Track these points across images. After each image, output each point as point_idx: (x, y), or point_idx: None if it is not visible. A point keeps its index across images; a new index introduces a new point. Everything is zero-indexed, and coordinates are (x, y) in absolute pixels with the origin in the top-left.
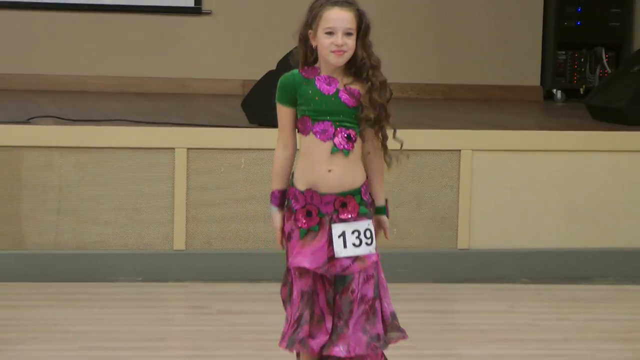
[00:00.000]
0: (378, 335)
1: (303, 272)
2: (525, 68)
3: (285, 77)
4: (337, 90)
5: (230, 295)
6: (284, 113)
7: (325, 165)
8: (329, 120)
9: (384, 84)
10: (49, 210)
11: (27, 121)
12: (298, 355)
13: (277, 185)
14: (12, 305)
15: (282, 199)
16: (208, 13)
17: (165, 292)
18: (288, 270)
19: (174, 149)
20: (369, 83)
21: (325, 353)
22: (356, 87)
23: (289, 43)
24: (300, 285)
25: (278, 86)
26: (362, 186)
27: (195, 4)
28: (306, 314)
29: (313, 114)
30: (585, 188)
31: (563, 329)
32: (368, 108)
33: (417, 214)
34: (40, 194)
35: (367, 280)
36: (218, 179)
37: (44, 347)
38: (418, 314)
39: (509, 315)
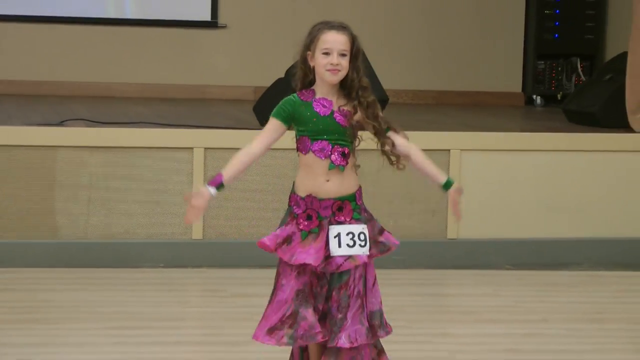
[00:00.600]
0: (372, 326)
1: (302, 271)
2: (508, 76)
3: (287, 99)
4: (332, 112)
5: (242, 280)
6: (272, 124)
7: (323, 177)
8: (325, 139)
9: (372, 103)
10: (80, 204)
11: (61, 123)
12: (292, 355)
13: (227, 172)
14: (47, 289)
15: (220, 185)
16: (223, 27)
17: (184, 277)
18: (278, 273)
19: (192, 148)
20: (358, 102)
21: (329, 345)
22: (348, 108)
23: (294, 54)
24: (297, 285)
25: (279, 104)
26: (356, 192)
27: (211, 19)
28: (303, 311)
29: (311, 133)
30: (562, 184)
31: (542, 310)
32: (367, 123)
33: (411, 208)
34: (72, 189)
35: (360, 277)
36: None
37: (75, 326)
38: (412, 297)
39: (494, 298)
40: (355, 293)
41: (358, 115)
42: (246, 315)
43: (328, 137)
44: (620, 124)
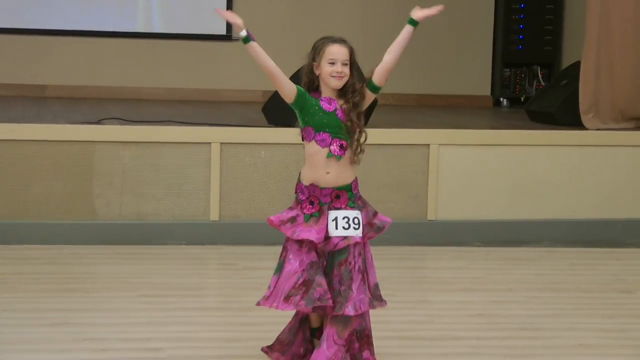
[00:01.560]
0: (375, 296)
1: (310, 246)
2: (479, 81)
3: (303, 90)
4: (335, 109)
5: (253, 255)
6: (291, 86)
7: (323, 169)
8: (327, 132)
9: (358, 102)
10: (115, 190)
11: (98, 122)
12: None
13: (255, 45)
14: (86, 263)
15: (249, 39)
16: (237, 39)
17: (203, 253)
18: (285, 249)
19: (210, 143)
20: (353, 102)
21: (336, 313)
22: (345, 106)
23: (298, 63)
24: (309, 258)
25: (303, 89)
26: (352, 183)
27: (226, 33)
28: (319, 278)
29: (315, 125)
30: (524, 173)
31: (507, 281)
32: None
33: (396, 193)
34: (108, 178)
35: (359, 254)
36: (244, 166)
37: (111, 295)
38: (397, 270)
39: (466, 271)
40: (356, 268)
41: (353, 114)
42: (256, 285)
43: (330, 130)
44: (575, 123)
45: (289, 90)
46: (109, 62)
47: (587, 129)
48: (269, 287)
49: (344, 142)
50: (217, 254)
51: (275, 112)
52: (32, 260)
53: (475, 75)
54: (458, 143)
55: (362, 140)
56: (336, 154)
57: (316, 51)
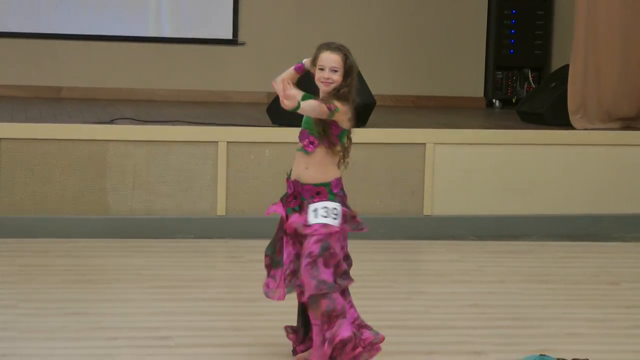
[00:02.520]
0: (323, 281)
1: (295, 239)
2: (472, 84)
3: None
4: None
5: (257, 248)
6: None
7: (303, 164)
8: (306, 129)
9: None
10: (127, 186)
11: (111, 122)
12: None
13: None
14: (100, 256)
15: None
16: (242, 44)
17: (210, 246)
18: (275, 240)
19: (217, 142)
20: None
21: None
22: None
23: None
24: (294, 250)
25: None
26: (332, 181)
27: (232, 37)
28: (293, 267)
29: (303, 123)
30: (516, 171)
31: (500, 273)
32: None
33: (394, 190)
34: (120, 175)
35: (315, 242)
36: (249, 164)
37: (123, 286)
38: (394, 262)
39: (461, 264)
40: (306, 253)
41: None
42: (261, 277)
43: (307, 127)
44: (564, 123)
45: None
46: (121, 65)
47: (575, 129)
48: (273, 277)
49: (315, 140)
50: (224, 247)
51: (279, 112)
52: (49, 253)
53: (469, 78)
54: (453, 142)
55: (346, 144)
56: (305, 148)
57: (314, 56)
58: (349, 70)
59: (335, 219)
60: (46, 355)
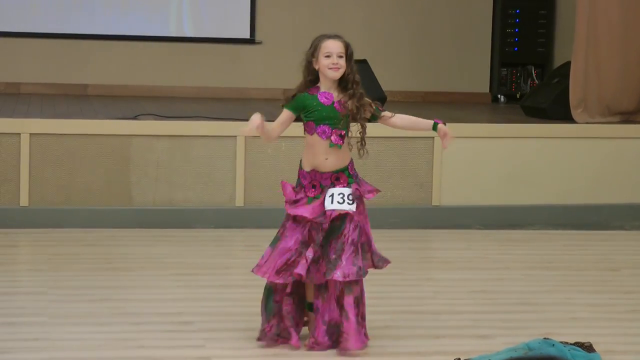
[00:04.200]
0: (360, 267)
1: (305, 224)
2: (478, 80)
3: (298, 96)
4: (333, 102)
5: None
6: (286, 114)
7: (323, 155)
8: (327, 124)
9: (361, 95)
10: (150, 179)
11: (135, 117)
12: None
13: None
14: (124, 245)
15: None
16: (259, 43)
17: (229, 236)
18: (283, 227)
19: (235, 137)
20: (353, 92)
21: (327, 278)
22: (344, 98)
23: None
24: (303, 236)
25: (294, 99)
26: (349, 164)
27: (250, 37)
28: (307, 253)
29: (316, 119)
30: (520, 163)
31: (505, 260)
32: (357, 109)
33: (404, 181)
34: (144, 167)
35: (354, 229)
36: (266, 157)
37: (147, 274)
38: (404, 250)
39: (467, 251)
40: (349, 241)
41: (351, 104)
42: None
43: (329, 122)
44: (565, 117)
45: (290, 118)
46: (144, 63)
47: (576, 123)
48: (263, 256)
49: (342, 132)
50: (242, 237)
51: None
52: (76, 243)
53: (475, 75)
54: (460, 136)
55: (364, 134)
56: (337, 143)
57: (314, 48)
58: (350, 55)
59: (351, 204)
60: (75, 340)
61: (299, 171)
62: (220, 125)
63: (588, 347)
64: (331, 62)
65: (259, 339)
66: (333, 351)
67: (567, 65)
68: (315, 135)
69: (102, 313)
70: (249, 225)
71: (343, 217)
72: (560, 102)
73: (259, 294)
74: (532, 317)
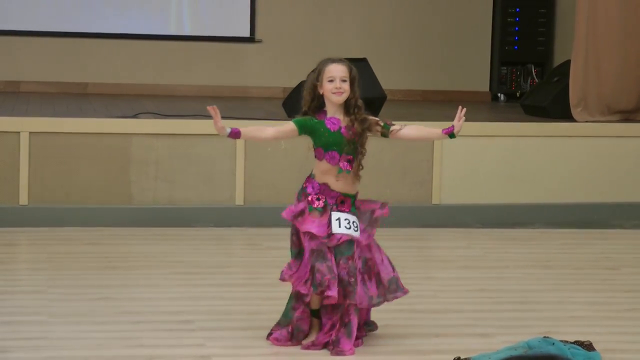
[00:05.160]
0: (372, 297)
1: (312, 236)
2: (478, 78)
3: (308, 117)
4: (340, 128)
5: (274, 236)
6: (289, 127)
7: (334, 177)
8: (335, 150)
9: (364, 119)
10: (150, 177)
11: (134, 116)
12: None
13: (244, 130)
14: (125, 243)
15: (235, 134)
16: (259, 41)
17: (229, 234)
18: (299, 237)
19: None
20: (354, 117)
21: (350, 301)
22: (348, 123)
23: (315, 62)
24: (310, 245)
25: (302, 117)
26: (355, 194)
27: (250, 35)
28: (319, 265)
29: (324, 145)
30: (520, 161)
31: (504, 259)
32: (363, 132)
33: (404, 180)
34: (144, 166)
35: (359, 257)
36: (266, 156)
37: (147, 272)
38: (404, 249)
39: (467, 250)
40: (358, 267)
41: (356, 127)
42: (278, 263)
43: (337, 148)
44: (565, 116)
45: (291, 132)
46: (144, 62)
47: (576, 121)
48: (290, 267)
49: (350, 157)
50: (242, 235)
51: (295, 106)
52: (76, 241)
53: (475, 73)
54: (460, 134)
55: (362, 158)
56: (346, 169)
57: (317, 72)
58: (354, 79)
59: (356, 231)
60: (74, 338)
61: (308, 179)
62: None
63: (588, 346)
64: (334, 86)
65: (268, 337)
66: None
67: (567, 63)
68: (324, 161)
69: (102, 312)
70: (248, 224)
71: (351, 240)
72: (560, 101)
73: (259, 292)
74: (531, 315)
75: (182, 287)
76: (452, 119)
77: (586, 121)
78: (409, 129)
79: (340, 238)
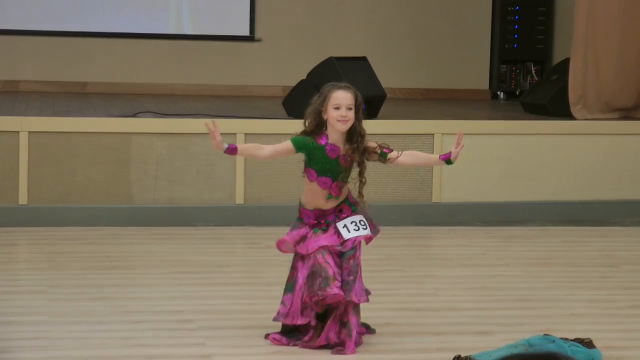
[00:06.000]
0: (367, 290)
1: (307, 259)
2: (478, 77)
3: (308, 139)
4: (338, 156)
5: (274, 235)
6: (286, 146)
7: (323, 200)
8: (329, 177)
9: (366, 149)
10: (149, 177)
11: (134, 115)
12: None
13: (241, 147)
14: (124, 243)
15: (231, 150)
16: (259, 40)
17: (230, 233)
18: (295, 268)
19: (235, 134)
20: (356, 147)
21: (347, 299)
22: (349, 152)
23: (314, 61)
24: (305, 271)
25: (300, 137)
26: (347, 195)
27: (249, 34)
28: (320, 279)
29: (319, 170)
30: (520, 160)
31: (504, 257)
32: (357, 160)
33: (404, 178)
34: (143, 166)
35: (360, 253)
36: None
37: (146, 272)
38: (405, 248)
39: (467, 248)
40: (359, 263)
41: (356, 156)
42: (278, 262)
43: (331, 175)
44: (565, 114)
45: (288, 151)
46: (144, 61)
47: (575, 119)
48: (284, 304)
49: (342, 184)
50: (242, 234)
51: (294, 105)
52: (76, 241)
53: (474, 72)
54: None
55: (363, 187)
56: (335, 195)
57: (323, 98)
58: (359, 106)
59: (365, 228)
60: (74, 338)
61: (300, 209)
62: (220, 122)
63: (588, 343)
64: (340, 114)
65: (266, 337)
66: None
67: (566, 61)
68: (315, 184)
69: (102, 311)
70: (249, 222)
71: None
72: (560, 99)
73: (258, 292)
74: (532, 313)
75: (182, 287)
76: (452, 118)
77: (585, 119)
78: (406, 157)
79: (355, 240)
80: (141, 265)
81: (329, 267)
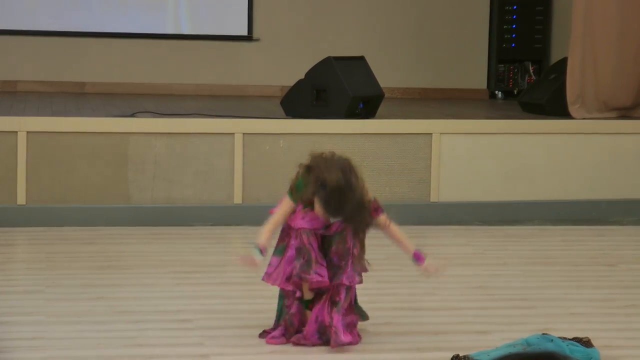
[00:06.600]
0: (360, 274)
1: (299, 234)
2: (476, 76)
3: (304, 198)
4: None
5: (273, 235)
6: (288, 206)
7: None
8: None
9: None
10: (148, 176)
11: (132, 115)
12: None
13: (262, 241)
14: (121, 243)
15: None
16: (257, 40)
17: (227, 233)
18: (288, 234)
19: (233, 134)
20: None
21: (334, 282)
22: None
23: (313, 61)
24: (296, 244)
25: (297, 192)
26: None
27: (248, 34)
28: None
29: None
30: (518, 159)
31: (503, 256)
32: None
33: (403, 178)
34: (141, 165)
35: (351, 237)
36: (264, 154)
37: (145, 272)
38: None
39: (466, 247)
40: (352, 246)
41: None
42: None
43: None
44: (563, 113)
45: (291, 209)
46: (142, 61)
47: (574, 119)
48: (271, 264)
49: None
50: (241, 234)
51: (293, 105)
52: (74, 241)
53: (472, 71)
54: (458, 132)
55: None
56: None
57: (321, 185)
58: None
59: None
60: (73, 339)
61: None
62: (218, 122)
63: (586, 342)
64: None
65: (260, 336)
66: (332, 349)
67: (564, 61)
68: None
69: (100, 311)
70: (247, 222)
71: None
72: (558, 98)
73: (258, 291)
74: (530, 312)
75: (181, 286)
76: (450, 117)
77: (583, 118)
78: (394, 231)
79: (337, 228)
80: (139, 265)
81: (312, 250)
